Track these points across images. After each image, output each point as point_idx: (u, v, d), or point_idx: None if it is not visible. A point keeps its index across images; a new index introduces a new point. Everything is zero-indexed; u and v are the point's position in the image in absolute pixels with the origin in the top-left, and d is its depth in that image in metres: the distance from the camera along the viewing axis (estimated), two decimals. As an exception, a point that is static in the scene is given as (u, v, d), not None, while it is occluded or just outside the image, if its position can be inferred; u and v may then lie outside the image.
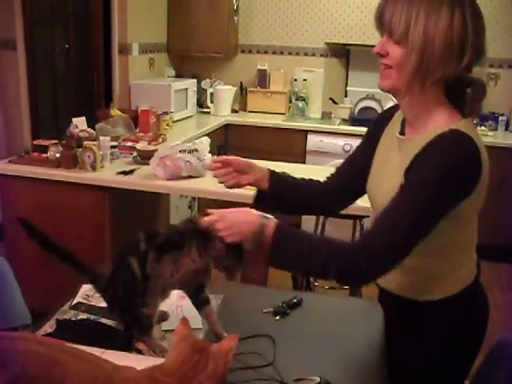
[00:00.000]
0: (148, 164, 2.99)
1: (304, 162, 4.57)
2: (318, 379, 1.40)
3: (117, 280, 1.51)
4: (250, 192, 2.90)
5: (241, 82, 5.29)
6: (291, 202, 1.75)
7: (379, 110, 4.81)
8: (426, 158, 1.33)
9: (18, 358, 0.98)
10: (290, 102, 5.18)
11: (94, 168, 2.97)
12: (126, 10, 4.38)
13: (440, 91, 1.40)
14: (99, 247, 3.01)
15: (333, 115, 5.02)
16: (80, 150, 3.04)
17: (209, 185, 2.97)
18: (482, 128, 4.54)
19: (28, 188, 3.07)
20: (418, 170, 1.33)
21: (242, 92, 5.28)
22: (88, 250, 3.03)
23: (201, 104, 5.13)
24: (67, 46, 4.61)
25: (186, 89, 4.70)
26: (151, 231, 1.53)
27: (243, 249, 1.44)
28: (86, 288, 1.89)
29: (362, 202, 2.44)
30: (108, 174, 3.00)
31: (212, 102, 4.99)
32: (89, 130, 3.34)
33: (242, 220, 1.40)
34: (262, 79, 5.23)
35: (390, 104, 4.52)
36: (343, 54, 5.20)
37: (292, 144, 4.75)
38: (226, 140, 4.75)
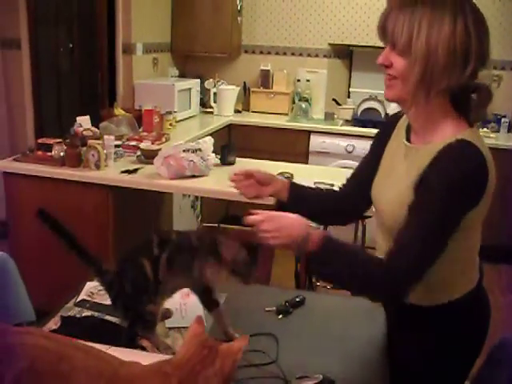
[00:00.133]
0: (152, 163, 3.00)
1: (306, 163, 4.58)
2: (321, 377, 1.41)
3: (125, 277, 1.52)
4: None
5: (244, 83, 5.30)
6: (310, 212, 1.75)
7: (382, 112, 4.83)
8: (434, 172, 1.34)
9: (26, 352, 0.99)
10: (293, 102, 5.18)
11: (98, 167, 2.99)
12: (131, 10, 4.40)
13: (446, 100, 1.40)
14: (103, 245, 3.02)
15: (336, 116, 5.03)
16: (84, 148, 3.05)
17: (212, 184, 2.99)
18: (485, 130, 4.55)
19: (32, 186, 3.08)
20: (427, 184, 1.34)
21: (245, 92, 5.29)
22: (91, 247, 3.02)
23: (204, 104, 5.14)
24: (71, 46, 4.63)
25: (190, 89, 4.72)
26: (164, 235, 1.54)
27: (257, 254, 1.46)
28: (91, 285, 1.91)
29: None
30: (112, 173, 3.01)
31: (215, 101, 5.00)
32: (93, 128, 3.35)
33: (289, 225, 1.40)
34: (265, 80, 5.24)
35: (392, 105, 4.55)
36: (346, 55, 5.21)
37: (295, 144, 4.76)
38: (230, 140, 4.76)
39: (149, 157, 3.12)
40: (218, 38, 5.01)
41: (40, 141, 3.23)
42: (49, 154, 3.08)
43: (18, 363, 0.98)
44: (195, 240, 1.51)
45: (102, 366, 1.00)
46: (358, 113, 4.93)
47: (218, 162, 3.26)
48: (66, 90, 4.66)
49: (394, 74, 1.39)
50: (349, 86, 5.25)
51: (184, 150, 2.94)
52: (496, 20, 4.57)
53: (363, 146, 4.51)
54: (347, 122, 4.95)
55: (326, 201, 1.79)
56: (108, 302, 1.78)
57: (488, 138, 4.32)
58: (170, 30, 5.13)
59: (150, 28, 4.77)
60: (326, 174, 3.23)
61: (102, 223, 3.04)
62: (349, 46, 5.12)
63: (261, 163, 3.46)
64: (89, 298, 1.83)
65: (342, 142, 4.66)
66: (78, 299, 1.82)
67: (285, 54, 5.32)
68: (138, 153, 3.26)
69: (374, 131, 4.45)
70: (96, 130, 3.37)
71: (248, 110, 5.24)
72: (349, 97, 5.21)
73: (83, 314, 1.73)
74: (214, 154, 3.17)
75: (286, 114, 5.13)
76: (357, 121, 4.85)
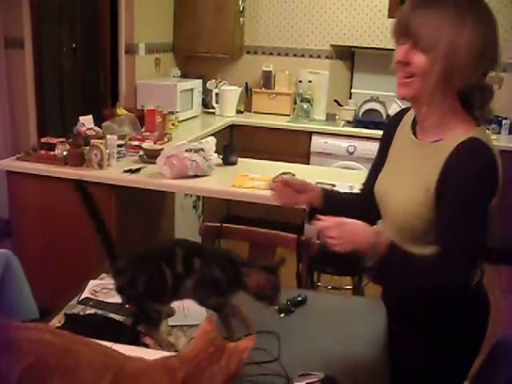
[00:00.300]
0: (154, 163, 3.01)
1: (308, 163, 4.59)
2: (323, 375, 1.43)
3: (140, 276, 1.52)
4: (257, 191, 2.93)
5: (246, 83, 5.31)
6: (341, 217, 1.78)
7: (383, 113, 4.84)
8: (453, 169, 1.38)
9: (32, 347, 1.00)
10: (295, 103, 5.20)
11: (100, 166, 3.00)
12: (133, 11, 4.41)
13: (455, 99, 1.43)
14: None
15: (337, 117, 5.04)
16: (87, 148, 3.06)
17: (214, 184, 3.00)
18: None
19: (35, 185, 3.10)
20: (451, 183, 1.38)
21: (247, 93, 5.30)
22: (94, 246, 3.06)
23: (206, 104, 5.15)
24: (74, 46, 4.64)
25: (192, 89, 4.73)
26: (188, 249, 1.54)
27: (278, 277, 1.50)
28: (94, 283, 1.92)
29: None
30: (115, 173, 3.02)
31: (217, 102, 5.01)
32: (96, 128, 3.36)
33: (357, 232, 1.41)
34: (267, 80, 5.25)
35: (394, 107, 4.58)
36: (348, 56, 5.22)
37: (296, 145, 4.77)
38: (231, 140, 4.77)
39: (151, 156, 3.14)
40: (220, 38, 5.02)
41: (43, 140, 3.24)
42: (52, 153, 3.09)
43: (24, 358, 0.98)
44: (219, 273, 1.51)
45: (107, 361, 1.01)
46: (360, 114, 4.94)
47: (220, 162, 3.28)
48: (69, 89, 4.67)
49: (412, 72, 1.40)
50: (350, 87, 5.26)
51: (186, 150, 2.95)
52: (497, 21, 4.56)
53: (364, 147, 4.53)
54: (349, 123, 4.95)
55: (355, 205, 1.81)
56: (111, 300, 1.80)
57: (489, 140, 4.33)
58: (173, 31, 5.15)
59: (153, 28, 4.79)
60: (328, 174, 3.24)
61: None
62: (350, 47, 5.13)
63: (262, 163, 3.48)
64: (92, 296, 1.84)
65: (344, 143, 4.67)
66: (82, 297, 1.84)
67: (287, 54, 5.33)
68: (141, 152, 3.27)
69: (376, 132, 4.49)
70: (99, 129, 3.38)
71: (250, 111, 5.25)
72: (350, 98, 5.22)
73: (86, 312, 1.75)
74: (216, 154, 3.19)
75: (288, 115, 5.14)
76: (358, 122, 4.86)
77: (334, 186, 2.89)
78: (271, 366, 1.50)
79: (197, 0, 4.99)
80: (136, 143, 3.41)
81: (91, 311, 1.75)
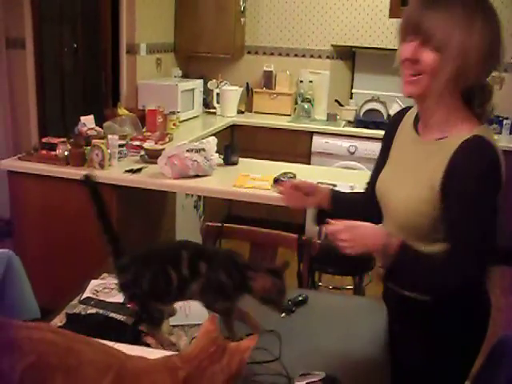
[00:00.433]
0: (155, 163, 3.02)
1: (309, 163, 4.59)
2: (324, 374, 1.43)
3: (145, 275, 1.51)
4: (258, 191, 2.94)
5: (247, 83, 5.31)
6: (350, 218, 1.78)
7: (384, 113, 4.84)
8: (459, 167, 1.38)
9: (33, 347, 1.01)
10: (296, 103, 5.20)
11: (102, 166, 3.00)
12: (135, 11, 4.41)
13: (459, 97, 1.45)
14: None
15: (338, 117, 5.04)
16: (88, 148, 3.06)
17: (215, 184, 3.01)
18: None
19: (36, 185, 3.10)
20: (457, 180, 1.39)
21: (248, 93, 5.30)
22: (95, 246, 3.05)
23: (207, 104, 5.16)
24: (75, 46, 4.65)
25: (193, 89, 4.73)
26: (193, 251, 1.53)
27: (284, 280, 1.50)
28: (95, 283, 1.93)
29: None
30: (116, 173, 3.03)
31: (218, 102, 5.02)
32: (97, 128, 3.36)
33: (368, 234, 1.43)
34: (268, 80, 5.25)
35: (394, 107, 4.57)
36: (349, 56, 5.22)
37: (297, 145, 4.78)
38: (232, 140, 4.77)
39: (152, 156, 3.14)
40: (221, 38, 5.03)
41: (44, 140, 3.24)
42: (53, 153, 3.09)
43: (26, 357, 0.99)
44: (225, 278, 1.50)
45: (109, 360, 1.02)
46: (361, 114, 4.94)
47: (221, 162, 3.28)
48: (70, 89, 4.67)
49: (420, 69, 1.40)
50: (351, 88, 5.26)
51: (188, 150, 2.96)
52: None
53: (365, 147, 4.53)
54: (349, 123, 4.96)
55: (363, 205, 1.81)
56: (112, 299, 1.81)
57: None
58: (174, 31, 5.15)
59: (154, 28, 4.79)
60: (329, 174, 3.24)
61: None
62: (351, 47, 5.14)
63: (263, 163, 3.48)
64: (93, 296, 1.84)
65: (345, 143, 4.67)
66: (83, 297, 1.84)
67: (288, 55, 5.33)
68: (142, 152, 3.27)
69: (377, 132, 4.48)
70: (100, 129, 3.38)
71: (251, 111, 5.26)
72: (351, 98, 5.23)
73: (88, 312, 1.75)
74: (217, 154, 3.19)
75: (289, 115, 5.14)
76: (359, 122, 4.86)
77: (335, 185, 2.89)
78: (272, 365, 1.50)
79: (198, 0, 5.00)
80: (137, 143, 3.42)
81: (92, 311, 1.75)
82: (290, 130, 4.81)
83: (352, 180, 3.00)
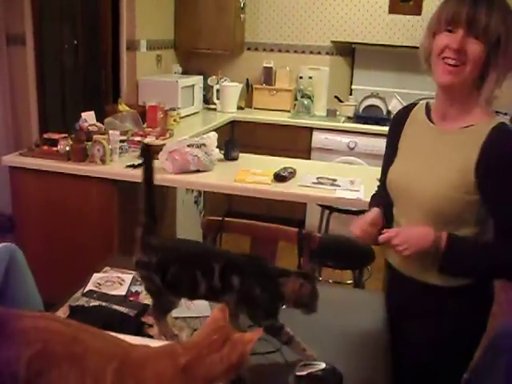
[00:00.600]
0: (156, 158, 3.03)
1: (309, 159, 4.60)
2: (324, 365, 1.45)
3: (169, 269, 1.51)
4: (259, 186, 2.95)
5: (247, 79, 5.32)
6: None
7: (383, 108, 4.85)
8: (495, 153, 1.45)
9: (39, 335, 1.02)
10: (296, 99, 5.21)
11: (103, 161, 3.02)
12: (135, 7, 4.42)
13: (476, 87, 1.51)
14: (107, 239, 3.06)
15: (338, 113, 5.06)
16: (89, 143, 3.08)
17: (216, 179, 3.02)
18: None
19: (38, 180, 3.12)
20: (492, 168, 1.45)
21: (248, 89, 5.31)
22: (96, 241, 3.09)
23: (207, 100, 5.17)
24: (76, 42, 4.65)
25: (193, 85, 4.74)
26: (225, 263, 1.51)
27: (315, 283, 1.52)
28: (98, 276, 1.94)
29: (366, 197, 2.49)
30: (117, 168, 3.04)
31: (218, 98, 5.03)
32: (98, 124, 3.38)
33: (417, 235, 1.51)
34: (268, 77, 5.27)
35: (394, 102, 4.59)
36: (348, 52, 5.23)
37: (297, 141, 4.79)
38: (233, 136, 4.79)
39: (153, 152, 3.15)
40: (221, 35, 5.04)
41: (45, 136, 3.25)
42: (54, 148, 3.10)
43: (32, 346, 1.00)
44: (259, 291, 1.48)
45: (114, 349, 1.03)
46: (360, 110, 4.95)
47: (222, 157, 3.30)
48: (70, 85, 4.67)
49: (464, 60, 1.45)
50: (351, 84, 5.27)
51: (188, 145, 2.97)
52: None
53: (365, 143, 4.54)
54: (349, 119, 4.97)
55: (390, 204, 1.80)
56: (115, 292, 1.82)
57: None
58: (174, 27, 5.16)
59: (154, 25, 4.81)
60: (329, 169, 3.26)
61: (108, 217, 3.07)
62: (351, 43, 5.14)
63: (264, 159, 3.50)
64: (96, 289, 1.86)
65: (344, 139, 4.69)
66: (86, 290, 1.86)
67: (287, 51, 5.35)
68: (143, 148, 3.28)
69: (376, 128, 4.50)
70: (101, 125, 3.40)
71: (251, 107, 5.27)
72: (351, 94, 5.24)
73: (91, 304, 1.77)
74: (217, 149, 3.20)
75: (289, 111, 5.16)
76: (359, 118, 4.87)
77: (335, 180, 2.91)
78: (273, 356, 1.52)
79: (198, -3, 5.01)
80: (138, 139, 3.43)
81: (95, 303, 1.77)
82: (290, 125, 4.83)
83: (352, 175, 3.01)
